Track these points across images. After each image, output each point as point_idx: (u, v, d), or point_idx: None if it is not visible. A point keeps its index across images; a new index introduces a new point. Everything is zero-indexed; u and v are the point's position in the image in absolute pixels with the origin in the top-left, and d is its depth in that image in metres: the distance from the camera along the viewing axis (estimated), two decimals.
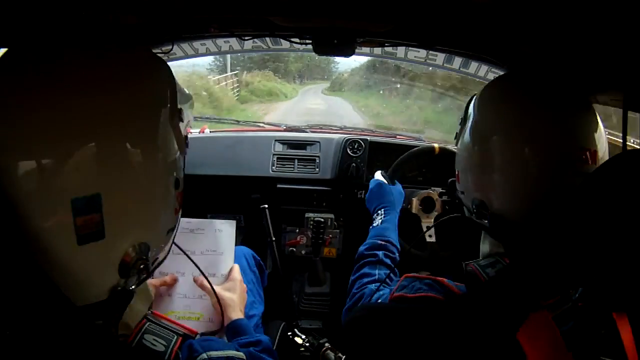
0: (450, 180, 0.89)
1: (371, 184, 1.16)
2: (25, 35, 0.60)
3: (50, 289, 0.47)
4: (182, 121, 0.61)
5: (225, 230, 0.94)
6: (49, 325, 0.47)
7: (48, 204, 0.47)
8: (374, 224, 1.05)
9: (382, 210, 1.07)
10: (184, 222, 0.92)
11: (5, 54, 0.52)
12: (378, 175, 1.18)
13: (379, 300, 0.81)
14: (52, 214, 0.47)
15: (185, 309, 0.89)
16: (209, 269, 0.91)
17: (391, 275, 0.89)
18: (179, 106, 0.60)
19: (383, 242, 0.97)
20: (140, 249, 0.54)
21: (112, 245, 0.51)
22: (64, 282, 0.48)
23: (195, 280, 0.89)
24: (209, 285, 0.86)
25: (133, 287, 0.55)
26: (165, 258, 0.63)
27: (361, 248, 0.99)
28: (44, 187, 0.46)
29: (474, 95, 0.77)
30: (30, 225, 0.46)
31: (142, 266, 0.54)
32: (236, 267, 0.93)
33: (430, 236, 1.26)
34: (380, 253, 0.95)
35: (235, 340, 0.79)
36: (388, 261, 0.94)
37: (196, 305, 0.90)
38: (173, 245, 0.85)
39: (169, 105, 0.57)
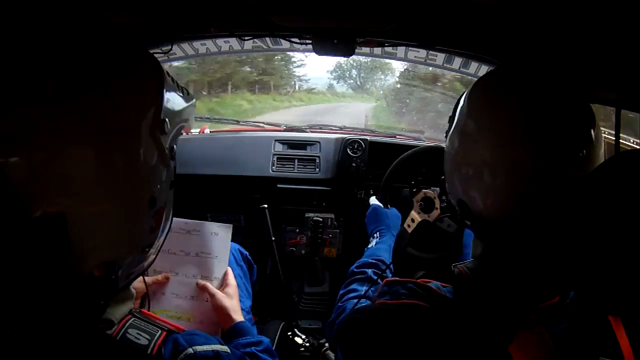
0: (442, 177, 0.88)
1: (368, 210, 1.18)
2: (19, 33, 0.58)
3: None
4: (165, 133, 0.56)
5: (220, 234, 0.94)
6: (32, 318, 0.47)
7: (13, 218, 0.44)
8: (369, 246, 1.08)
9: (378, 233, 1.10)
10: (182, 222, 0.93)
11: None
12: (373, 200, 1.19)
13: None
14: (17, 229, 0.44)
15: (177, 309, 0.89)
16: (202, 271, 0.91)
17: (372, 288, 0.90)
18: (163, 116, 0.55)
19: (374, 261, 0.99)
20: (108, 267, 0.52)
21: (78, 262, 0.49)
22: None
23: (197, 284, 0.89)
24: (212, 289, 0.87)
25: (102, 301, 0.54)
26: (145, 271, 0.62)
27: (352, 267, 1.01)
28: (8, 199, 0.43)
29: (463, 92, 0.74)
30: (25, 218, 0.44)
31: (109, 285, 0.52)
32: (229, 271, 0.93)
33: (449, 226, 1.23)
34: (369, 271, 0.96)
35: (237, 340, 0.79)
36: (376, 278, 0.94)
37: (188, 305, 0.90)
38: (168, 244, 0.82)
39: (149, 116, 0.53)
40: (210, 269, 0.92)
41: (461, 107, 0.71)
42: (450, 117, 0.77)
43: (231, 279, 0.91)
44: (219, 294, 0.87)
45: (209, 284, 0.87)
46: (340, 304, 0.91)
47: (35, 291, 0.47)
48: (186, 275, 0.91)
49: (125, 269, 0.55)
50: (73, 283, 0.50)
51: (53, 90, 0.46)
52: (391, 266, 0.99)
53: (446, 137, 0.80)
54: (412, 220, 1.19)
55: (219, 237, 0.93)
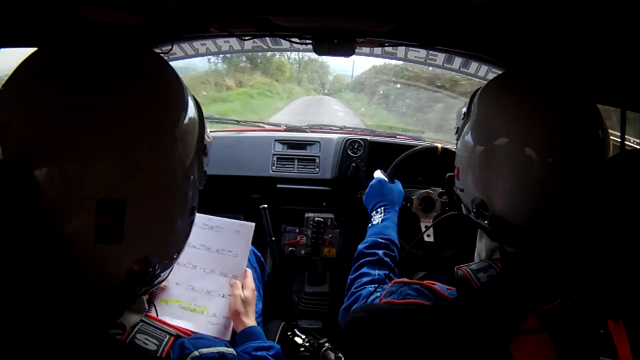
0: (448, 175, 0.85)
1: (372, 182, 1.15)
2: (46, 36, 0.61)
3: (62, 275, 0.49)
4: (206, 156, 0.65)
5: (242, 232, 0.95)
6: (46, 319, 0.48)
7: (75, 200, 0.49)
8: (373, 222, 1.03)
9: (382, 208, 1.05)
10: (205, 218, 0.95)
11: (26, 60, 0.53)
12: (378, 174, 1.16)
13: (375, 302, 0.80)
14: (77, 211, 0.49)
15: (192, 301, 0.90)
16: (221, 268, 0.93)
17: (391, 275, 0.88)
18: (205, 142, 0.63)
19: (384, 241, 0.96)
20: (150, 262, 0.56)
21: (126, 251, 0.53)
22: (74, 276, 0.50)
23: (232, 279, 0.91)
24: (235, 291, 0.89)
25: (133, 296, 0.57)
26: (166, 278, 0.65)
27: (360, 246, 0.97)
28: (71, 184, 0.49)
29: (479, 89, 0.74)
30: (55, 217, 0.49)
31: (147, 279, 0.56)
32: (250, 274, 0.94)
33: (428, 236, 1.26)
34: (380, 252, 0.93)
35: (248, 344, 0.80)
36: (388, 260, 0.92)
37: (202, 299, 0.90)
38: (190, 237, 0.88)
39: (197, 135, 0.60)
40: (230, 266, 0.93)
41: (478, 108, 0.71)
42: (464, 113, 0.76)
43: (250, 283, 0.92)
44: (238, 298, 0.88)
45: (238, 285, 0.90)
46: (354, 290, 0.89)
47: (60, 289, 0.49)
48: (204, 270, 0.92)
49: (159, 267, 0.58)
50: (112, 279, 0.53)
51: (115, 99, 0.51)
52: (399, 244, 0.98)
53: (457, 135, 0.79)
54: (426, 228, 1.21)
55: (241, 235, 0.95)
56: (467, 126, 0.73)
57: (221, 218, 0.96)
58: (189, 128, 0.58)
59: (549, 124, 0.62)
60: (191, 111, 0.59)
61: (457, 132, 0.80)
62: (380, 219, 1.03)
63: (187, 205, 0.59)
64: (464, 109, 0.77)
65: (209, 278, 0.92)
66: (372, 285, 0.86)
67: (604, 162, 0.55)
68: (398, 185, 1.15)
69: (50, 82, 0.51)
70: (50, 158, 0.48)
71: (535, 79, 0.68)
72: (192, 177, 0.59)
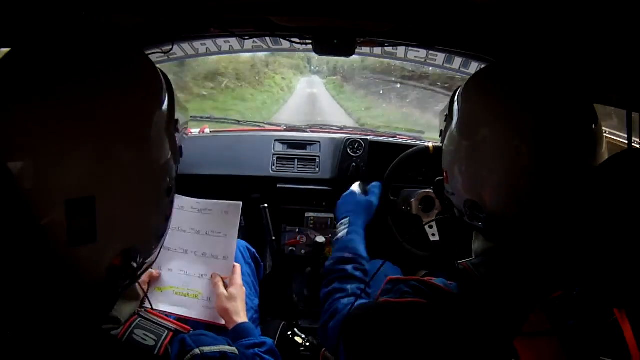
0: (437, 179, 0.83)
1: (344, 193, 1.12)
2: (22, 34, 0.60)
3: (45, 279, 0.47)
4: (178, 132, 0.61)
5: (231, 212, 0.96)
6: (39, 319, 0.47)
7: (43, 202, 0.47)
8: (338, 235, 0.99)
9: (346, 219, 1.01)
10: (193, 202, 0.94)
11: (5, 55, 0.52)
12: (354, 187, 1.13)
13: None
14: (46, 213, 0.47)
15: (185, 285, 0.90)
16: (211, 250, 0.93)
17: (366, 289, 0.83)
18: (176, 117, 0.60)
19: (350, 255, 0.91)
20: (130, 254, 0.54)
21: (103, 248, 0.51)
22: (55, 274, 0.49)
23: (212, 276, 0.90)
24: (218, 290, 0.88)
25: (119, 289, 0.55)
26: (153, 263, 0.63)
27: (327, 263, 0.93)
28: (39, 186, 0.47)
29: (458, 88, 0.72)
30: (29, 220, 0.46)
31: (129, 271, 0.54)
32: (238, 269, 0.93)
33: (433, 235, 1.24)
34: (349, 267, 0.88)
35: (239, 342, 0.79)
36: (359, 274, 0.88)
37: (195, 283, 0.91)
38: (180, 222, 0.88)
39: (166, 112, 0.57)
40: (219, 247, 0.93)
41: (461, 105, 0.69)
42: (446, 114, 0.76)
43: (237, 279, 0.91)
44: (222, 296, 0.87)
45: (219, 284, 0.89)
46: (327, 307, 0.84)
47: (46, 289, 0.47)
48: (195, 254, 0.92)
49: (141, 257, 0.56)
50: (93, 276, 0.51)
51: (74, 91, 0.49)
52: (367, 257, 0.93)
53: (441, 135, 0.78)
54: (430, 227, 1.20)
55: (229, 215, 0.95)
56: (450, 126, 0.71)
57: (209, 200, 0.95)
58: (161, 113, 0.56)
59: (534, 112, 0.61)
60: (153, 85, 0.57)
61: (440, 134, 0.79)
62: (345, 232, 0.98)
63: (161, 189, 0.57)
64: (445, 111, 0.76)
65: (200, 262, 0.92)
66: (348, 299, 0.82)
67: (610, 157, 0.55)
68: (372, 197, 1.09)
69: (21, 78, 0.49)
70: (17, 153, 0.46)
71: (519, 70, 0.67)
72: (165, 158, 0.57)
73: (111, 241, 0.52)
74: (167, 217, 0.61)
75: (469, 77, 0.74)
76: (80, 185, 0.48)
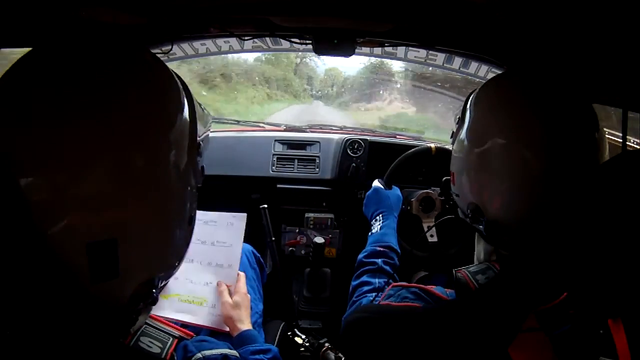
0: (444, 179, 0.85)
1: (368, 192, 1.15)
2: (23, 35, 0.59)
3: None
4: (200, 156, 0.60)
5: (236, 223, 0.98)
6: (52, 323, 0.47)
7: (65, 244, 0.45)
8: (373, 230, 1.04)
9: (380, 215, 1.06)
10: (199, 214, 0.93)
11: (13, 67, 0.49)
12: (375, 183, 1.17)
13: None
14: (69, 255, 0.45)
15: (189, 293, 0.92)
16: (217, 259, 0.95)
17: (390, 282, 0.88)
18: (198, 140, 0.58)
19: (382, 249, 0.96)
20: (153, 282, 0.53)
21: (124, 282, 0.50)
22: (75, 302, 0.47)
23: (218, 284, 0.92)
24: (223, 298, 0.89)
25: (140, 311, 0.55)
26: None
27: (360, 256, 0.98)
28: (62, 229, 0.45)
29: (472, 92, 0.73)
30: (53, 260, 0.45)
31: (149, 300, 0.54)
32: (242, 277, 0.94)
33: (432, 236, 1.25)
34: (379, 261, 0.94)
35: (245, 347, 0.80)
36: (387, 268, 0.93)
37: (201, 290, 0.92)
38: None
39: (188, 136, 0.55)
40: (225, 256, 0.96)
41: (472, 112, 0.70)
42: (459, 117, 0.76)
43: (242, 287, 0.92)
44: (227, 304, 0.88)
45: (225, 292, 0.90)
46: (355, 298, 0.89)
47: (68, 314, 0.47)
48: (201, 263, 0.95)
49: (162, 281, 0.56)
50: (115, 304, 0.51)
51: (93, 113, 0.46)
52: (398, 250, 0.99)
53: (452, 138, 0.79)
54: (428, 228, 1.21)
55: (234, 227, 0.98)
56: (462, 130, 0.72)
57: (215, 212, 0.98)
58: (182, 133, 0.53)
59: (543, 124, 0.61)
60: (185, 112, 0.54)
61: (452, 136, 0.80)
62: (379, 227, 1.03)
63: (185, 217, 0.56)
64: (459, 114, 0.77)
65: (206, 270, 0.94)
66: (372, 294, 0.86)
67: (605, 162, 0.55)
68: (396, 191, 1.15)
69: (38, 84, 0.46)
70: (44, 193, 0.43)
71: (530, 81, 0.67)
72: (188, 185, 0.55)
73: (135, 274, 0.51)
74: (187, 244, 0.60)
75: (483, 83, 0.74)
76: (101, 227, 0.46)
